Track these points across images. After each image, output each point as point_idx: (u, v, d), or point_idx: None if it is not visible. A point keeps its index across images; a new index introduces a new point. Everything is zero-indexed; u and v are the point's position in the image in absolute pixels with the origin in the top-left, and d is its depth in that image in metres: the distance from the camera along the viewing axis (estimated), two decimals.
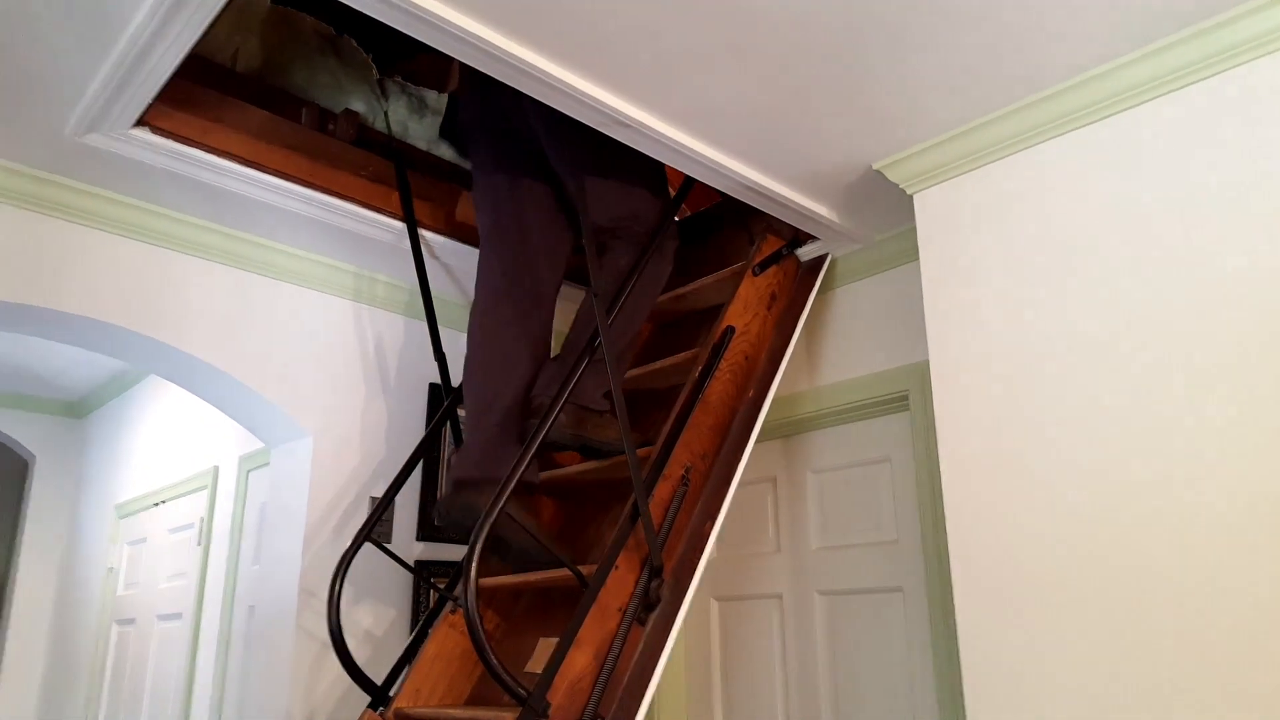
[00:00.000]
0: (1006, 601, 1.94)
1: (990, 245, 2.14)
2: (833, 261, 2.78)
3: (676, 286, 2.82)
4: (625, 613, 1.89)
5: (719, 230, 2.92)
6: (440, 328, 2.73)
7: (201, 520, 3.49)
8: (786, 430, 2.93)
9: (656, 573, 1.95)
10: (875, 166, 2.30)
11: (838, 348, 2.80)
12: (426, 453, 2.64)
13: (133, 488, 4.17)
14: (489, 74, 1.82)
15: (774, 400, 2.78)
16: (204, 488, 3.53)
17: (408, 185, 2.52)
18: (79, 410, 4.96)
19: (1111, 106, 1.98)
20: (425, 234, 2.60)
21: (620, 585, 1.91)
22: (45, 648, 4.52)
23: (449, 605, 2.21)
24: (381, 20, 1.68)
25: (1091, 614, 1.82)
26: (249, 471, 3.33)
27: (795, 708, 2.74)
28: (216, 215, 2.47)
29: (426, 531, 2.71)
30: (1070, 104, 2.02)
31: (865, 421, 2.76)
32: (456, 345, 2.75)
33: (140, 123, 2.09)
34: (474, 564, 1.65)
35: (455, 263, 2.77)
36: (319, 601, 2.50)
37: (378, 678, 2.22)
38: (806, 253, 2.75)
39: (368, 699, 2.14)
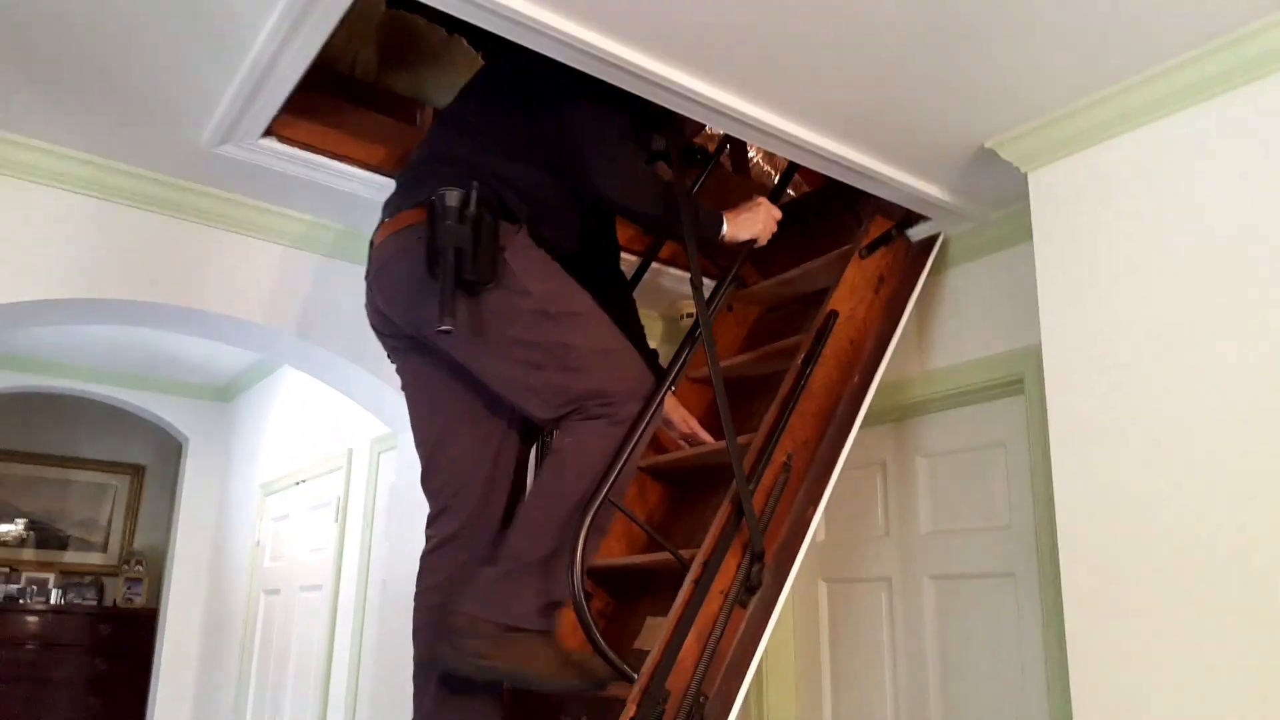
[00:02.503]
0: (1115, 594, 1.90)
1: (1107, 225, 2.07)
2: (945, 242, 2.72)
3: (782, 271, 2.82)
4: (727, 596, 1.94)
5: (825, 213, 2.90)
6: None
7: (338, 499, 3.72)
8: (897, 415, 2.90)
9: (758, 558, 1.99)
10: (987, 145, 2.24)
11: (950, 330, 2.74)
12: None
13: (275, 467, 4.46)
14: (600, 77, 1.89)
15: (883, 385, 2.76)
16: (339, 468, 3.75)
17: None
18: (227, 394, 5.33)
19: (1239, 77, 1.88)
20: None
21: (723, 570, 1.96)
22: (202, 614, 4.90)
23: None
24: (484, 27, 1.75)
25: (1206, 612, 1.76)
26: (380, 453, 3.52)
27: (903, 691, 2.73)
28: (340, 216, 2.61)
29: None
30: (1195, 75, 1.92)
31: (978, 406, 2.71)
32: None
33: (268, 133, 2.23)
34: (578, 560, 1.72)
35: None
36: None
37: None
38: (918, 233, 2.69)
39: None
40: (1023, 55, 1.91)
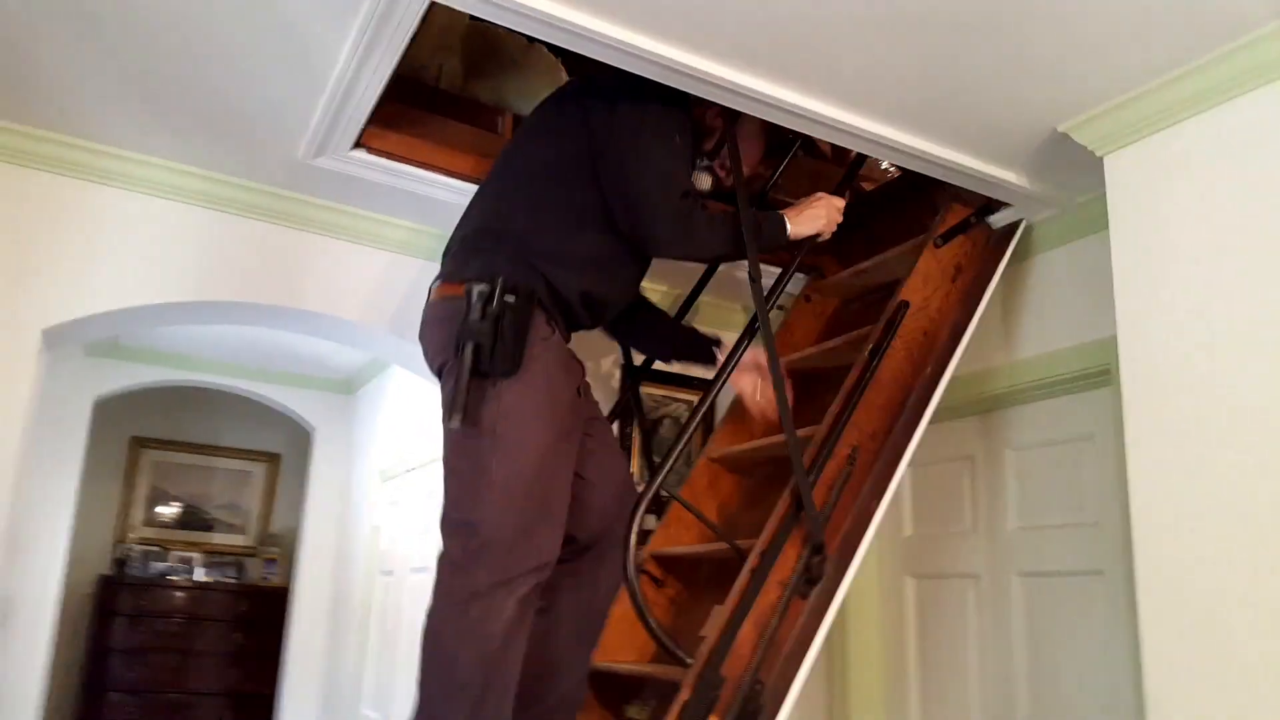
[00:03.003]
0: (1192, 596, 1.83)
1: (1184, 208, 1.99)
2: (1027, 229, 2.65)
3: (863, 260, 2.81)
4: (786, 586, 1.97)
5: (903, 202, 2.86)
6: None
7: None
8: (984, 406, 2.85)
9: (818, 550, 2.01)
10: (1060, 128, 2.18)
11: (1035, 320, 2.68)
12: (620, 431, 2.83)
13: (391, 455, 4.72)
14: (663, 81, 1.94)
15: (968, 376, 2.73)
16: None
17: None
18: (349, 387, 5.64)
19: None
20: None
21: (781, 560, 1.99)
22: (328, 593, 5.23)
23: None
24: (536, 37, 1.83)
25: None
26: None
27: (990, 689, 2.69)
28: (436, 221, 2.75)
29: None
30: (1266, 54, 1.83)
31: (1066, 397, 2.63)
32: None
33: (358, 145, 2.39)
34: (632, 539, 1.79)
35: None
36: None
37: None
38: (998, 220, 2.64)
39: None
40: (1093, 36, 1.86)
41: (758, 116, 2.12)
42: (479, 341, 1.76)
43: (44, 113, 2.31)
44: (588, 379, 2.13)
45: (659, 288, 3.16)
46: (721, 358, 2.33)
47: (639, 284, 2.19)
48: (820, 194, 2.24)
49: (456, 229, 2.07)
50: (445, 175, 2.53)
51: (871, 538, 2.10)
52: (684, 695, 1.79)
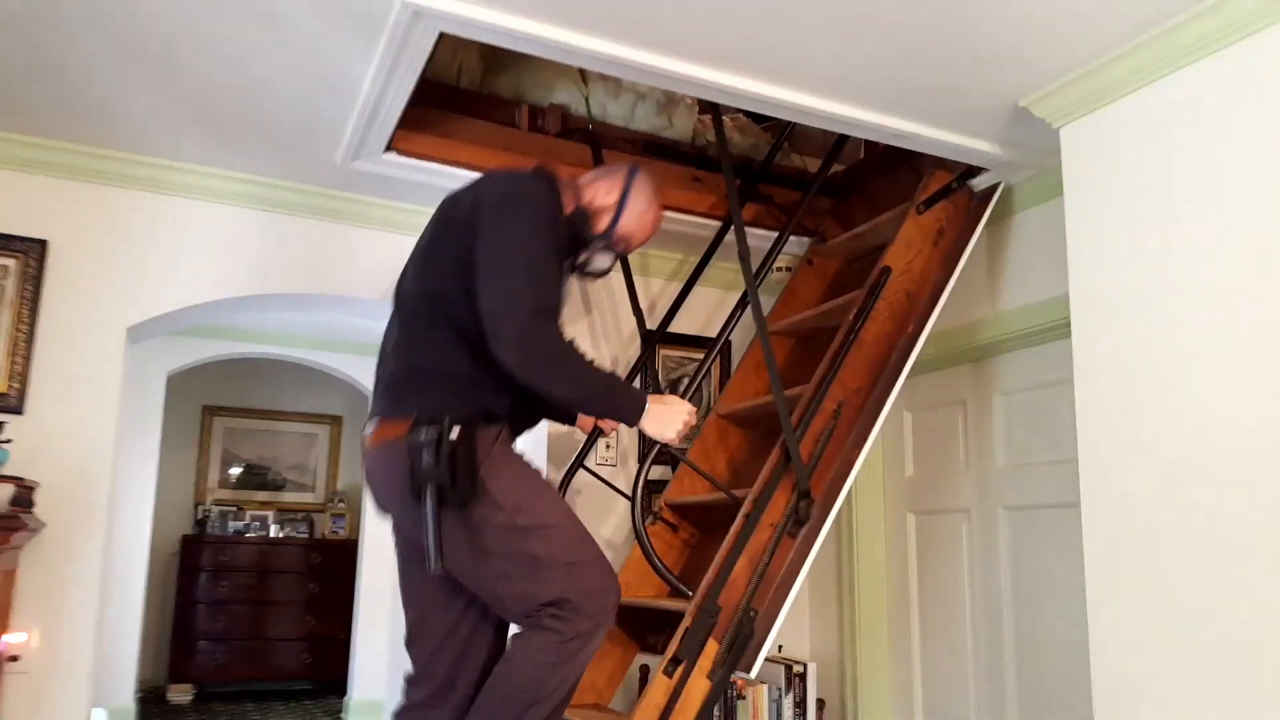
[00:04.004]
0: (1129, 527, 2.07)
1: (1129, 175, 2.19)
2: (1007, 190, 2.85)
3: (859, 224, 3.03)
4: (776, 528, 2.26)
5: (899, 166, 3.06)
6: (638, 278, 3.18)
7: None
8: (974, 355, 3.08)
9: (805, 495, 2.29)
10: (1021, 104, 2.38)
11: (1016, 275, 2.88)
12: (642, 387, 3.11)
13: None
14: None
15: (958, 328, 2.96)
16: None
17: (602, 164, 2.93)
18: None
19: (1255, 24, 1.94)
20: None
21: (772, 505, 2.28)
22: (391, 542, 5.65)
23: (649, 518, 2.69)
24: (511, 48, 2.09)
25: (1209, 545, 1.92)
26: None
27: (980, 612, 2.96)
28: None
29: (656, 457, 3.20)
30: (1203, 28, 2.00)
31: (1045, 345, 2.85)
32: (649, 293, 3.19)
33: (389, 148, 2.67)
34: (640, 485, 2.09)
35: None
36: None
37: None
38: (980, 183, 2.84)
39: None
40: (1046, 17, 2.03)
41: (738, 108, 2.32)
42: (440, 484, 1.78)
43: (119, 137, 2.65)
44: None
45: (675, 255, 3.42)
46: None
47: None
48: (675, 399, 2.01)
49: (380, 365, 2.04)
50: (469, 169, 2.80)
51: (853, 481, 2.37)
52: (686, 622, 2.10)
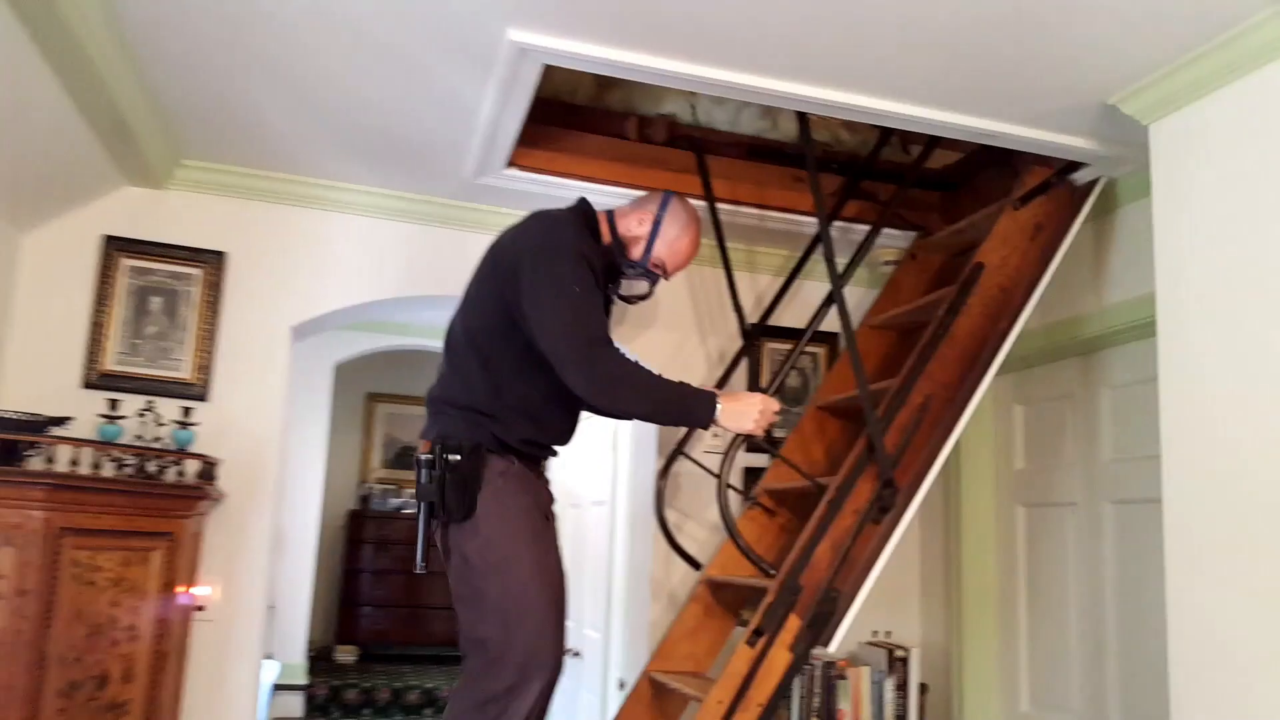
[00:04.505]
0: (1212, 527, 2.09)
1: (1217, 172, 2.19)
2: (1110, 184, 2.85)
3: (966, 218, 3.09)
4: (860, 514, 2.40)
5: (1005, 161, 3.09)
6: (747, 274, 3.34)
7: (612, 434, 4.52)
8: (1083, 349, 3.09)
9: (888, 484, 2.41)
10: (1109, 101, 2.40)
11: (1121, 268, 2.88)
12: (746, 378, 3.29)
13: None
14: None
15: (1065, 321, 3.00)
16: None
17: (706, 171, 3.10)
18: None
19: None
20: (723, 206, 3.18)
21: (856, 493, 2.42)
22: None
23: (748, 503, 2.86)
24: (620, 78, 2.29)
25: None
26: None
27: (1085, 603, 2.99)
28: None
29: (752, 445, 3.37)
30: None
31: (1154, 339, 2.82)
32: (756, 288, 3.37)
33: (509, 165, 2.95)
34: (724, 471, 2.27)
35: (757, 224, 3.33)
36: (675, 498, 3.31)
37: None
38: (1081, 178, 2.85)
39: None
40: (1133, 11, 2.04)
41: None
42: (430, 500, 2.01)
43: (283, 162, 3.05)
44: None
45: (781, 251, 3.56)
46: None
47: (572, 427, 2.28)
48: (757, 394, 2.15)
49: (428, 393, 2.26)
50: (582, 181, 3.05)
51: (938, 470, 2.47)
52: (769, 598, 2.28)
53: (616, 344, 2.09)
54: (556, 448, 2.23)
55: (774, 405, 2.12)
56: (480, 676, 2.00)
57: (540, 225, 2.14)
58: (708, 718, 2.20)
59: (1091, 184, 2.82)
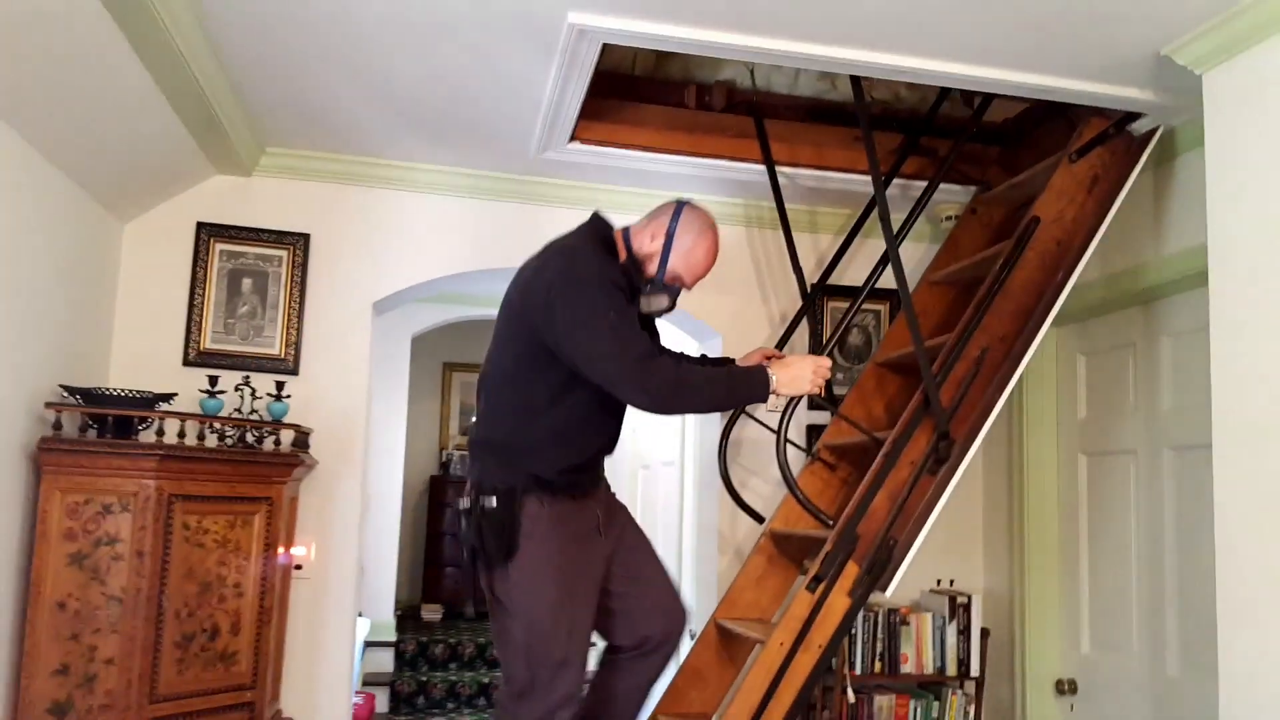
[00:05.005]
0: (1262, 477, 2.12)
1: (1272, 123, 2.18)
2: (1168, 133, 2.84)
3: (1012, 177, 3.12)
4: (916, 465, 2.49)
5: (1055, 117, 3.10)
6: (808, 235, 3.42)
7: None
8: (1143, 298, 3.10)
9: (944, 436, 2.50)
10: (1163, 52, 2.41)
11: (1181, 217, 2.88)
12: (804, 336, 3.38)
13: None
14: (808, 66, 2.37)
15: (1127, 270, 3.02)
16: None
17: (765, 135, 3.17)
18: None
19: None
20: (783, 169, 3.25)
21: (913, 445, 2.50)
22: None
23: (810, 459, 2.97)
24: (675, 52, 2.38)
25: None
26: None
27: (1144, 547, 3.03)
28: (634, 183, 3.41)
29: (812, 403, 3.46)
30: None
31: None
32: (818, 249, 3.45)
33: (572, 139, 3.06)
34: (784, 427, 2.39)
35: (817, 185, 3.39)
36: (740, 456, 3.43)
37: None
38: (1139, 128, 2.85)
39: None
40: None
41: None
42: (472, 545, 2.16)
43: (359, 145, 3.23)
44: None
45: (843, 211, 3.61)
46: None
47: (612, 434, 2.33)
48: (805, 355, 2.23)
49: (468, 437, 2.40)
50: (642, 150, 3.16)
51: (993, 421, 2.54)
52: (827, 547, 2.39)
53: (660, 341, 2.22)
54: (604, 456, 2.33)
55: (826, 363, 2.19)
56: (506, 706, 2.19)
57: (562, 259, 2.18)
58: (770, 659, 2.34)
59: (1149, 134, 2.82)
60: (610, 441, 2.32)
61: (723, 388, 2.16)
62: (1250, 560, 2.15)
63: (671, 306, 2.27)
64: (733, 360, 2.41)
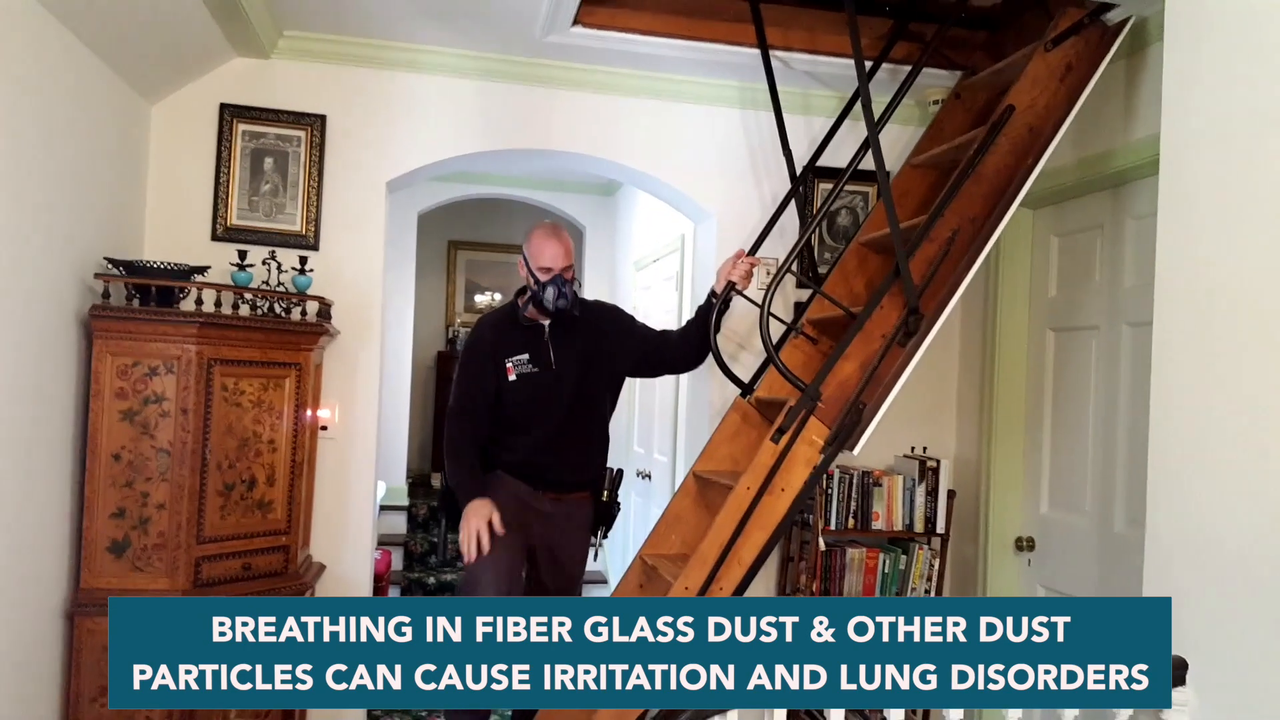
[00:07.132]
0: (1199, 351, 2.31)
1: (1236, 8, 2.29)
2: (1140, 22, 2.96)
3: (996, 62, 3.25)
4: (887, 339, 2.73)
5: (1032, 6, 3.21)
6: (799, 117, 3.60)
7: (677, 273, 4.87)
8: (1112, 182, 3.28)
9: (914, 311, 2.73)
10: None
11: (1150, 104, 3.02)
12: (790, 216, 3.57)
13: (640, 248, 5.73)
14: None
15: (1097, 155, 3.17)
16: (676, 250, 4.87)
17: (760, 19, 3.28)
18: (609, 190, 6.66)
19: None
20: (776, 53, 3.39)
21: (884, 319, 2.74)
22: None
23: (794, 333, 3.22)
24: None
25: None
26: (696, 229, 4.55)
27: (1100, 416, 3.31)
28: (637, 66, 3.55)
29: (800, 282, 3.69)
30: None
31: None
32: (810, 131, 3.61)
33: (576, 22, 3.20)
34: (768, 300, 2.63)
35: (810, 69, 3.53)
36: (729, 330, 3.69)
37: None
38: (1113, 17, 2.97)
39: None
40: None
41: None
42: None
43: (373, 28, 3.36)
44: None
45: (835, 93, 3.74)
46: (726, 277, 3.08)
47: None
48: (486, 500, 2.98)
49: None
50: (643, 35, 3.29)
51: (959, 297, 2.76)
52: (790, 402, 2.67)
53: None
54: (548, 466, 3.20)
55: (742, 255, 3.05)
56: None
57: (597, 303, 3.30)
58: (738, 501, 2.64)
59: (1122, 24, 2.95)
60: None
61: (456, 471, 3.07)
62: (1178, 431, 2.35)
63: (561, 293, 2.99)
64: (714, 305, 3.06)
